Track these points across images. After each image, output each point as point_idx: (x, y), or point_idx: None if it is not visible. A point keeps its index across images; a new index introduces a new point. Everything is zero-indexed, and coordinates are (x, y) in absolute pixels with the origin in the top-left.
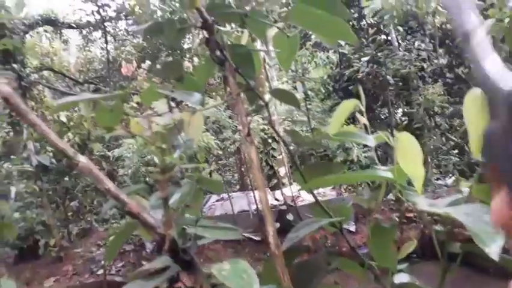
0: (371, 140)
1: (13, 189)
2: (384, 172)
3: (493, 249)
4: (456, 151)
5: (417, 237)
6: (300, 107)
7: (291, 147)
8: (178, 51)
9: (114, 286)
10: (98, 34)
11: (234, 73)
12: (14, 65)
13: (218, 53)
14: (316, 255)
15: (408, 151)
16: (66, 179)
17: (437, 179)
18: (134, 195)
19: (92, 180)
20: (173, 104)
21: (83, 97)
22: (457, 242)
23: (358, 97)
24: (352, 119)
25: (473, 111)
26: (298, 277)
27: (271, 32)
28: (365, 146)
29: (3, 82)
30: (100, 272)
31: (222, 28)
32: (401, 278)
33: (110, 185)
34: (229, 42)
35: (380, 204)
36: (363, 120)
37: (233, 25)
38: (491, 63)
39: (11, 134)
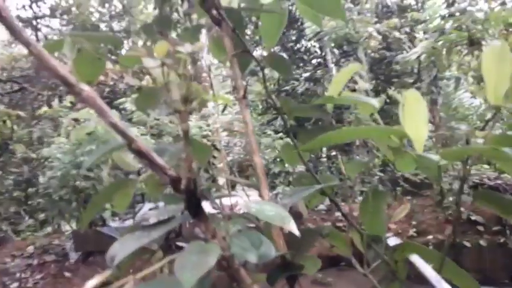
0: (375, 102)
1: None
2: (388, 128)
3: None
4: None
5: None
6: (292, 74)
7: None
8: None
9: None
10: (28, 31)
11: (231, 34)
12: None
13: (215, 12)
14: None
15: (414, 110)
16: None
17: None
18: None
19: (96, 113)
20: None
21: (72, 33)
22: None
23: None
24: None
25: (492, 60)
26: (293, 241)
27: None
28: None
29: None
30: (15, 285)
31: None
32: (391, 241)
33: (116, 119)
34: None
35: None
36: (364, 85)
37: None
38: None
39: None
